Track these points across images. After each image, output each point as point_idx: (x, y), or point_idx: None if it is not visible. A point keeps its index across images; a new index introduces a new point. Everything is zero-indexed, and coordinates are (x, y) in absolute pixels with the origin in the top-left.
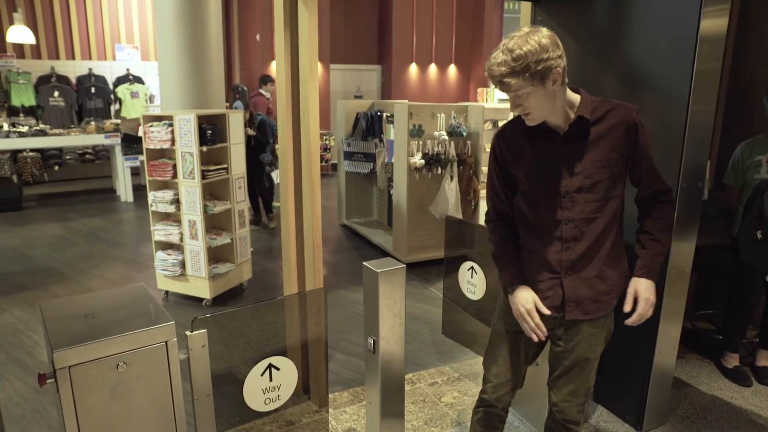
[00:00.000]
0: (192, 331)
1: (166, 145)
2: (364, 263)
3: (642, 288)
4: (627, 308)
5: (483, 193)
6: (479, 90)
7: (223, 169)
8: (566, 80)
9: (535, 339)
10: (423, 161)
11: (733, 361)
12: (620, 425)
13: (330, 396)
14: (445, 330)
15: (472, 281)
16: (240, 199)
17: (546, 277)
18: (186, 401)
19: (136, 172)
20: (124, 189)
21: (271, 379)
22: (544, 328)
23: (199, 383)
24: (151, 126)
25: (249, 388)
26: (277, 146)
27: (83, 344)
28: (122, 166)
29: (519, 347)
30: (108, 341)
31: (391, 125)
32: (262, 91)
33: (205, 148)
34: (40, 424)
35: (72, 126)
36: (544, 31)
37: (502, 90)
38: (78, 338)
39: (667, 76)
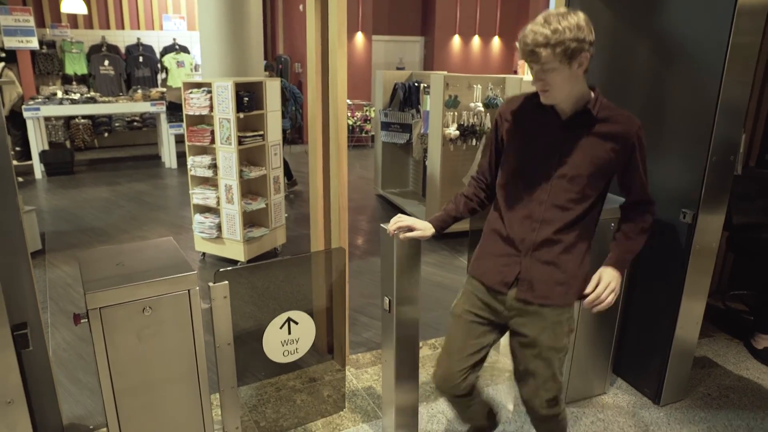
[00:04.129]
0: (214, 282)
1: (205, 112)
2: (381, 225)
3: (605, 274)
4: (588, 290)
5: None
6: (520, 62)
7: (260, 135)
8: (587, 70)
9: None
10: (458, 132)
11: (763, 342)
12: (638, 398)
13: (353, 357)
14: None
15: None
16: (275, 166)
17: (506, 252)
18: (210, 348)
19: (180, 140)
20: (169, 155)
21: (289, 332)
22: (391, 229)
23: (221, 332)
24: (191, 93)
25: (268, 339)
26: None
27: (112, 288)
28: (167, 134)
29: (471, 328)
30: (135, 286)
31: (428, 96)
32: None
33: (241, 115)
34: (84, 369)
35: (120, 94)
36: (582, 14)
37: (530, 61)
38: (108, 283)
39: (702, 48)
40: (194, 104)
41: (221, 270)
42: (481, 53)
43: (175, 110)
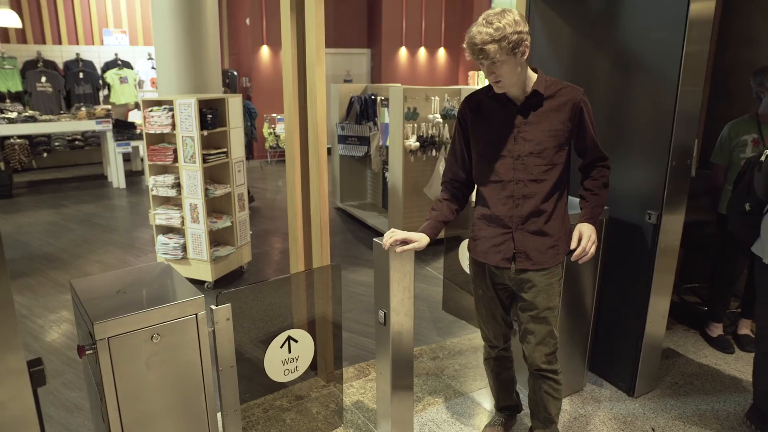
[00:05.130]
0: (217, 305)
1: (167, 130)
2: (375, 239)
3: (584, 229)
4: (573, 246)
5: None
6: (470, 73)
7: (223, 153)
8: (528, 58)
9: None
10: (418, 143)
11: (717, 330)
12: (613, 391)
13: (337, 372)
14: (446, 306)
15: None
16: (239, 183)
17: (500, 232)
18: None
19: (126, 158)
20: (116, 175)
21: (290, 351)
22: (386, 244)
23: (224, 355)
24: (151, 111)
25: (270, 359)
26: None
27: (121, 316)
28: (114, 152)
29: (493, 302)
30: (143, 314)
31: (386, 108)
32: None
33: (205, 132)
34: (56, 405)
35: (61, 112)
36: (515, 11)
37: (480, 58)
38: (114, 311)
39: (658, 59)
40: (155, 122)
41: (224, 292)
42: (427, 64)
43: (120, 128)
